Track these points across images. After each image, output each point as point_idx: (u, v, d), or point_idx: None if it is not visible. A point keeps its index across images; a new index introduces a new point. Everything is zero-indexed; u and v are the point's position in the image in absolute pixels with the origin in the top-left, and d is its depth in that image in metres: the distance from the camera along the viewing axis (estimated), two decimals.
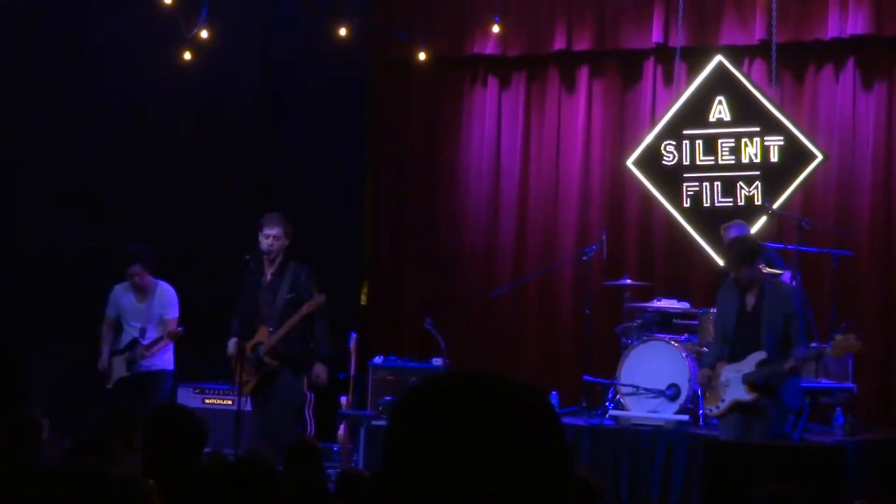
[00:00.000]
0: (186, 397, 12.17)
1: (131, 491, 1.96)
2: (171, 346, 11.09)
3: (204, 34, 13.04)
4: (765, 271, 10.64)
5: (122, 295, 11.15)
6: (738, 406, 9.01)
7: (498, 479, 1.79)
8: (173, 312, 11.05)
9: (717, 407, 9.14)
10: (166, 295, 11.07)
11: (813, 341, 10.70)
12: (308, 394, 10.82)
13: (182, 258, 12.34)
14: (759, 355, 8.92)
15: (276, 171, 14.27)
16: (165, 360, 11.06)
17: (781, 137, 12.39)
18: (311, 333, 10.23)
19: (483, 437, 1.81)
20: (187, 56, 13.06)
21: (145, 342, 10.92)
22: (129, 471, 1.96)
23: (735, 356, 9.05)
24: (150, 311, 11.02)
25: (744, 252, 9.14)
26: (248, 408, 10.49)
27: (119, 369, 10.97)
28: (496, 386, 1.87)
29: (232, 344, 10.22)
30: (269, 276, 10.23)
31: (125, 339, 11.06)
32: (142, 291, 11.08)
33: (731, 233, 11.20)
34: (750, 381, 8.93)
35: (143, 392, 10.88)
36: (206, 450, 8.37)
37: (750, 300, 9.04)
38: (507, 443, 1.81)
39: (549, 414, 1.88)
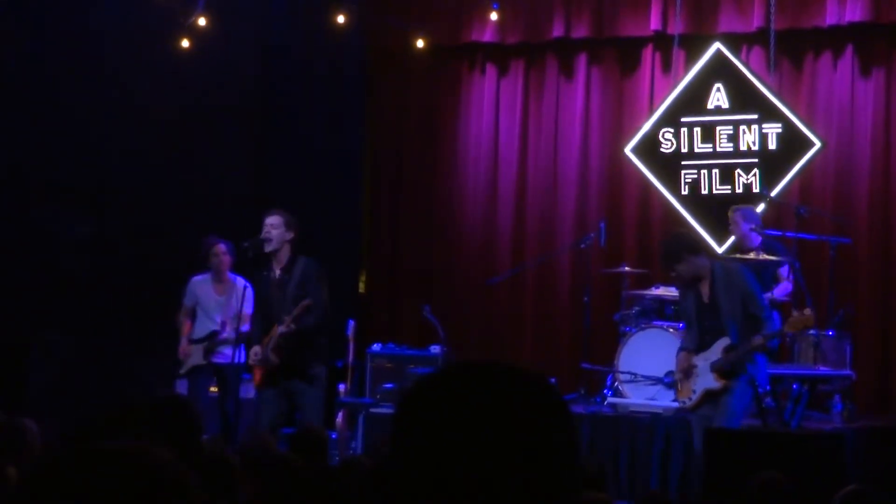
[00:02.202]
0: (188, 386, 12.18)
1: (169, 475, 1.94)
2: None
3: (202, 22, 13.04)
4: (762, 258, 10.67)
5: (200, 286, 11.31)
6: (708, 395, 9.00)
7: (505, 469, 1.80)
8: (251, 309, 11.19)
9: (690, 399, 9.13)
10: (247, 291, 11.20)
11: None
12: None
13: (179, 247, 12.34)
14: (724, 342, 8.92)
15: (273, 158, 14.26)
16: (238, 352, 11.22)
17: (780, 125, 12.41)
18: (315, 331, 10.05)
19: (490, 426, 1.81)
20: (185, 44, 13.06)
21: (224, 335, 11.05)
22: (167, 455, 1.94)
23: (703, 346, 9.05)
24: (230, 304, 11.15)
25: (664, 252, 9.16)
26: (251, 394, 10.48)
27: (196, 357, 11.14)
28: (505, 375, 1.87)
29: (253, 353, 10.05)
30: (278, 273, 10.07)
31: (201, 329, 11.21)
32: (220, 283, 11.24)
33: (736, 216, 11.21)
34: (718, 369, 8.93)
35: (220, 382, 11.17)
36: (206, 436, 8.37)
37: (704, 291, 9.03)
38: (516, 433, 1.81)
39: (558, 403, 1.88)
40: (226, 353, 11.14)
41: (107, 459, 1.91)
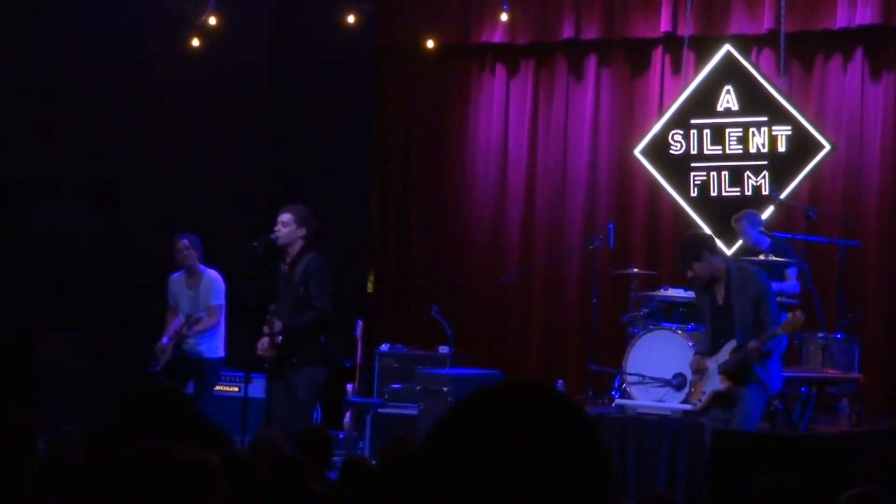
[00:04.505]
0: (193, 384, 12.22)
1: (198, 473, 1.96)
2: (218, 333, 11.22)
3: (213, 21, 13.07)
4: (770, 259, 10.66)
5: (176, 283, 11.39)
6: (716, 397, 8.99)
7: (534, 490, 1.82)
8: (217, 300, 11.21)
9: (700, 401, 9.13)
10: (212, 283, 11.24)
11: (820, 331, 10.74)
12: None
13: None
14: (732, 344, 8.92)
15: (283, 157, 14.27)
16: (212, 347, 11.20)
17: (789, 127, 12.39)
18: (316, 330, 10.05)
19: (522, 450, 1.84)
20: (195, 43, 13.08)
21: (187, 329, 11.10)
22: (193, 451, 1.98)
23: (716, 349, 9.04)
24: (198, 298, 11.20)
25: (684, 250, 9.10)
26: (259, 394, 10.48)
27: (168, 352, 11.15)
28: (539, 399, 1.90)
29: (260, 345, 10.05)
30: (285, 268, 10.09)
31: (178, 325, 11.25)
32: (192, 277, 11.26)
33: (742, 224, 11.19)
34: (725, 371, 8.93)
35: (193, 377, 11.12)
36: None
37: (719, 293, 9.01)
38: (546, 456, 1.84)
39: (588, 428, 1.91)
40: (195, 348, 11.11)
41: (129, 461, 1.93)
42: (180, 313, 11.29)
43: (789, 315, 9.03)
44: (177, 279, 11.37)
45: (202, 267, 11.27)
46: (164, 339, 11.20)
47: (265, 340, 9.97)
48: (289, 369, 9.88)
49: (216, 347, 11.21)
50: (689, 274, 9.08)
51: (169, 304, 11.40)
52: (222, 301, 11.21)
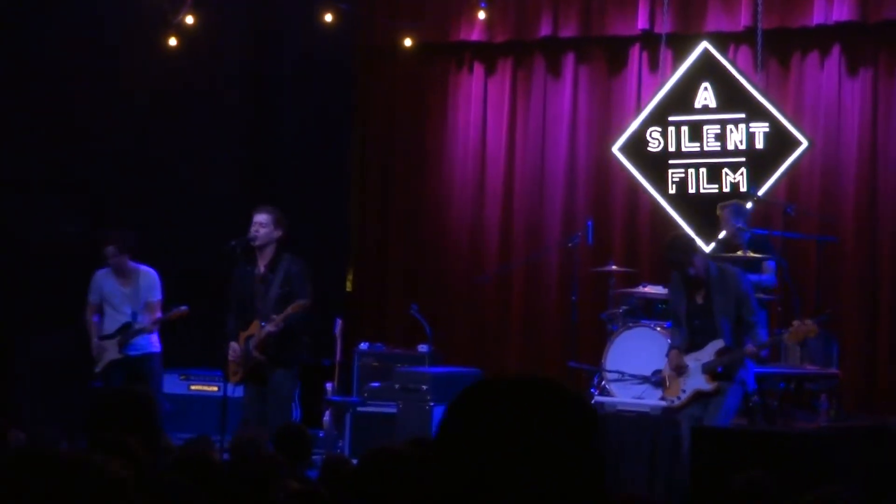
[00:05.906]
0: (172, 383, 12.19)
1: (108, 484, 2.00)
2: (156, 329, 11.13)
3: (189, 20, 13.03)
4: (749, 256, 10.68)
5: (104, 280, 11.14)
6: (698, 396, 9.02)
7: (532, 479, 1.86)
8: (157, 295, 11.07)
9: (679, 398, 9.13)
10: (149, 278, 11.07)
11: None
12: None
13: (168, 245, 12.33)
14: (717, 344, 8.93)
15: (262, 156, 14.24)
16: (153, 343, 11.10)
17: (767, 124, 12.42)
18: (302, 327, 10.07)
19: (523, 439, 1.87)
20: (172, 42, 13.05)
21: (139, 325, 10.92)
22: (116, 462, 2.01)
23: (694, 347, 9.04)
24: (137, 295, 11.01)
25: (680, 250, 9.10)
26: (238, 394, 10.45)
27: (111, 352, 10.97)
28: (541, 391, 1.94)
29: (231, 350, 10.04)
30: (262, 269, 10.06)
31: (112, 323, 11.04)
32: (124, 276, 11.07)
33: (727, 213, 11.21)
34: (710, 371, 8.94)
35: (137, 376, 10.89)
36: (191, 435, 8.36)
37: (699, 291, 9.03)
38: (546, 446, 1.88)
39: (589, 422, 1.93)
40: (139, 345, 11.00)
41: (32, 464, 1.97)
42: (108, 310, 11.10)
43: (796, 323, 9.05)
44: (105, 275, 11.12)
45: (133, 264, 11.11)
46: (96, 340, 11.05)
47: (235, 346, 9.96)
48: (276, 368, 9.89)
49: (156, 343, 11.11)
50: (692, 272, 9.06)
51: (91, 302, 11.13)
52: (161, 296, 11.12)
